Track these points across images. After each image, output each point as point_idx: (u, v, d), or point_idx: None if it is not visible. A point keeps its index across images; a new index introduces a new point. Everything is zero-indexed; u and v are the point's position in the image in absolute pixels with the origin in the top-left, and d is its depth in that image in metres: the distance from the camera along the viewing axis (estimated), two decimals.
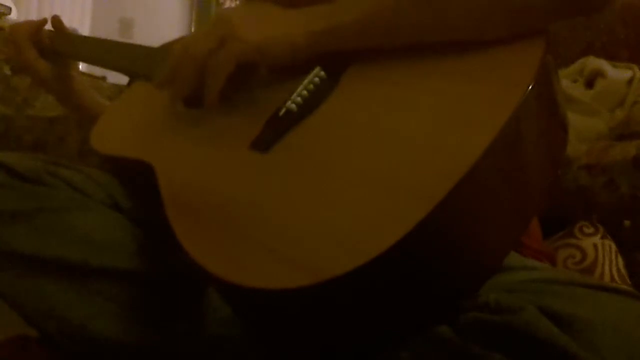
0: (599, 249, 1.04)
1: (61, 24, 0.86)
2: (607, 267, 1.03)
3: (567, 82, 1.35)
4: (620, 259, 1.04)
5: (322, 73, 0.56)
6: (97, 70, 1.08)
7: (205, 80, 0.58)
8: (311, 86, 0.55)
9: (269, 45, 0.56)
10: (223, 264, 0.44)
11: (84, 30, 3.07)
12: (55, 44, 0.83)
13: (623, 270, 1.03)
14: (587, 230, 1.08)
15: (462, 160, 0.40)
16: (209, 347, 0.58)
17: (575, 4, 0.48)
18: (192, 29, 3.46)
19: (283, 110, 0.54)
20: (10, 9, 1.02)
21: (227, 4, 3.48)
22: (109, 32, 3.11)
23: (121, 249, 0.58)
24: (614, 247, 1.05)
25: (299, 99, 0.55)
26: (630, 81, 1.31)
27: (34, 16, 2.81)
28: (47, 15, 0.87)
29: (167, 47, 0.83)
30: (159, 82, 0.61)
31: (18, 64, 0.82)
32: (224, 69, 0.57)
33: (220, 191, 0.51)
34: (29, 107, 1.45)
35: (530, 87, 0.43)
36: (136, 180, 0.61)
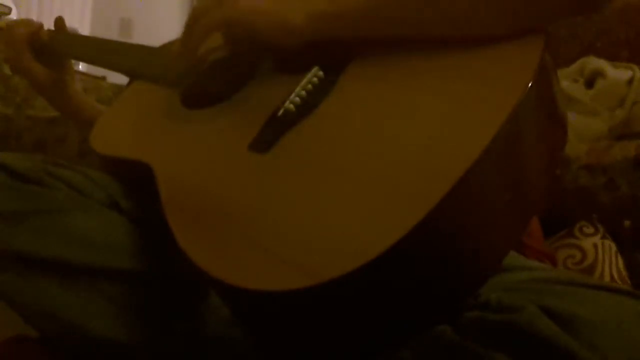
0: (599, 249, 1.04)
1: (63, 24, 0.85)
2: (607, 267, 1.03)
3: (567, 82, 1.35)
4: (620, 259, 1.04)
5: (321, 73, 0.56)
6: (97, 70, 1.08)
7: (193, 29, 0.60)
8: (310, 86, 0.55)
9: (260, 14, 0.56)
10: (220, 265, 0.43)
11: (84, 30, 3.07)
12: (55, 44, 0.83)
13: (623, 271, 1.03)
14: (587, 230, 1.08)
15: (461, 160, 0.40)
16: (209, 347, 0.58)
17: (574, 3, 0.48)
18: None
19: (281, 111, 0.54)
20: (10, 9, 1.02)
21: None
22: (109, 32, 3.11)
23: (121, 249, 0.58)
24: (614, 247, 1.05)
25: (297, 99, 0.54)
26: (630, 81, 1.31)
27: (34, 16, 2.81)
28: (47, 15, 0.87)
29: (167, 47, 0.84)
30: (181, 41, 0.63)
31: (14, 63, 0.82)
32: (211, 23, 0.59)
33: (218, 192, 0.51)
34: (29, 107, 1.45)
35: (529, 87, 0.43)
36: (135, 181, 0.61)
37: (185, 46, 0.61)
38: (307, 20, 0.55)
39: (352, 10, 0.53)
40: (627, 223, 1.06)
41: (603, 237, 1.06)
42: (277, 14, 0.55)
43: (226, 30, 0.60)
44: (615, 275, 1.02)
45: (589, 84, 1.34)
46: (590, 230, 1.08)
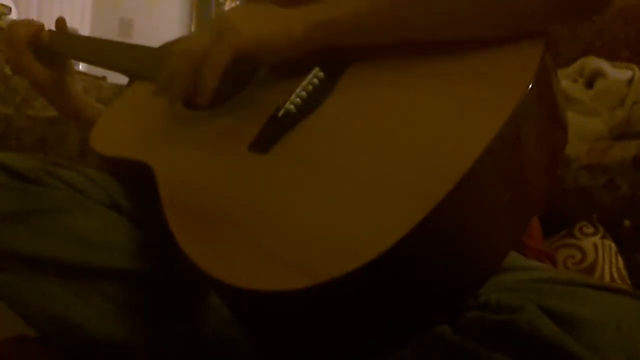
0: (599, 249, 1.04)
1: (64, 25, 0.86)
2: (607, 267, 1.03)
3: (567, 82, 1.35)
4: (620, 259, 1.04)
5: (321, 74, 0.56)
6: (97, 70, 1.08)
7: (202, 73, 0.56)
8: (310, 87, 0.55)
9: (267, 39, 0.56)
10: (220, 265, 0.44)
11: (84, 30, 3.07)
12: (55, 44, 0.83)
13: (623, 271, 1.03)
14: (587, 230, 1.08)
15: (461, 161, 0.40)
16: (209, 347, 0.58)
17: (575, 6, 0.48)
18: (192, 29, 3.47)
19: (282, 111, 0.54)
20: (10, 9, 1.02)
21: (228, 4, 3.48)
22: (109, 32, 3.11)
23: (120, 249, 0.58)
24: (614, 247, 1.05)
25: (297, 100, 0.54)
26: (630, 81, 1.31)
27: (33, 16, 2.81)
28: (47, 15, 0.87)
29: (167, 47, 0.84)
30: (158, 86, 0.60)
31: (14, 63, 0.82)
32: (221, 61, 0.55)
33: (218, 192, 0.51)
34: (29, 107, 1.45)
35: (529, 88, 0.43)
36: (135, 181, 0.61)
37: (200, 94, 0.57)
38: (306, 31, 0.55)
39: (349, 18, 0.54)
40: (627, 223, 1.06)
41: (603, 237, 1.06)
42: (281, 31, 0.55)
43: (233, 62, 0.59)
44: (615, 275, 1.02)
45: (589, 84, 1.34)
46: (590, 230, 1.08)
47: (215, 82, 0.56)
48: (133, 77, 0.81)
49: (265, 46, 0.56)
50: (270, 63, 0.59)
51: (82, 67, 2.05)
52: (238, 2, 2.92)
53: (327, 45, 0.55)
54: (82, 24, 3.10)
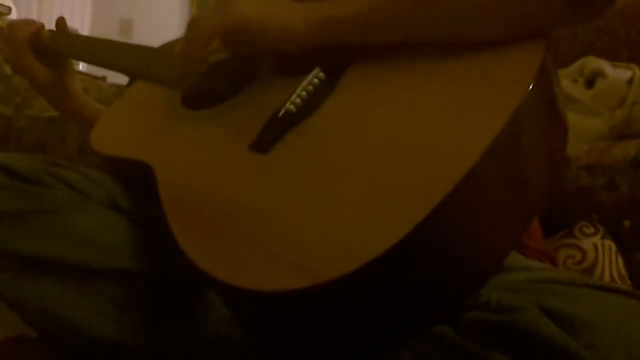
0: (599, 249, 1.04)
1: (65, 25, 0.86)
2: (607, 267, 1.03)
3: (567, 82, 1.35)
4: (620, 259, 1.04)
5: (322, 74, 0.56)
6: (97, 70, 1.08)
7: (191, 40, 0.60)
8: (310, 87, 0.55)
9: (260, 21, 0.57)
10: (220, 265, 0.44)
11: (84, 30, 3.07)
12: (56, 44, 0.83)
13: (623, 271, 1.03)
14: (587, 230, 1.08)
15: (462, 161, 0.40)
16: (209, 347, 0.58)
17: (577, 8, 0.48)
18: None
19: (282, 112, 0.54)
20: (10, 9, 1.02)
21: None
22: (109, 32, 3.11)
23: (120, 249, 0.58)
24: (614, 247, 1.05)
25: (298, 100, 0.54)
26: (630, 81, 1.31)
27: (33, 16, 2.81)
28: (47, 15, 0.87)
29: (167, 47, 0.84)
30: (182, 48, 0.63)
31: (15, 63, 0.82)
32: (207, 31, 0.58)
33: (218, 192, 0.51)
34: (28, 107, 1.45)
35: (530, 89, 0.43)
36: (135, 181, 0.61)
37: (188, 53, 0.61)
38: (308, 26, 0.55)
39: (351, 16, 0.54)
40: (627, 223, 1.06)
41: (603, 237, 1.06)
42: (278, 20, 0.56)
43: (226, 36, 0.60)
44: (615, 275, 1.02)
45: (589, 84, 1.34)
46: (590, 230, 1.08)
47: (198, 52, 0.59)
48: (133, 77, 0.81)
49: (257, 29, 0.57)
50: (265, 49, 0.59)
51: (82, 67, 2.05)
52: None
53: (328, 42, 0.55)
54: (82, 24, 3.10)
